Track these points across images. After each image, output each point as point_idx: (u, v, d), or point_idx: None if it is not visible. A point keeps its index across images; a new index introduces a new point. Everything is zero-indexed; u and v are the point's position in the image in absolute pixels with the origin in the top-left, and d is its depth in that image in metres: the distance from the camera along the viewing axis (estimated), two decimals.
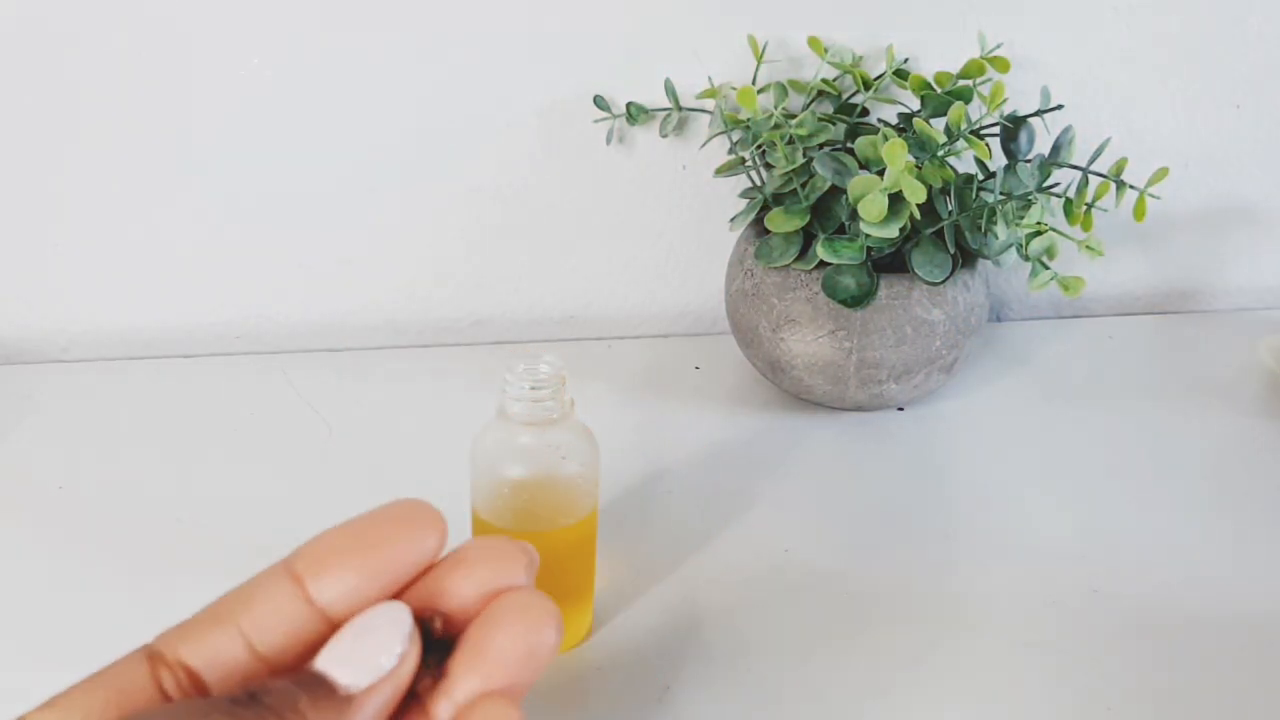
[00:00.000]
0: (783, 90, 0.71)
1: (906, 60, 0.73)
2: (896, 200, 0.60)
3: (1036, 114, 0.68)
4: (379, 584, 0.26)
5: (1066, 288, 0.64)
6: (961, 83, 0.67)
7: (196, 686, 0.25)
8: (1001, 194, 0.63)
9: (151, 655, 0.25)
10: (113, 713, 0.24)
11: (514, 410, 0.47)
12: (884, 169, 0.60)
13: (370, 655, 0.25)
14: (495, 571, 0.27)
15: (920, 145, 0.63)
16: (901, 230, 0.61)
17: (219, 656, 0.25)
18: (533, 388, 0.47)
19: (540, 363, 0.48)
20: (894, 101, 0.72)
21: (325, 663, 0.25)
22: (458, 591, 0.26)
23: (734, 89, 0.67)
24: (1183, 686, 0.51)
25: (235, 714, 0.23)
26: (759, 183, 0.70)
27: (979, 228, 0.64)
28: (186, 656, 0.25)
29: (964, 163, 0.67)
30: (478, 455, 0.49)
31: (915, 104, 0.70)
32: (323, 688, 0.25)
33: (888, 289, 0.64)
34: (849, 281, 0.63)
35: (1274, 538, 0.61)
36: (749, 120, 0.66)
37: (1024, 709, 0.50)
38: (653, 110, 0.74)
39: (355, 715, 0.24)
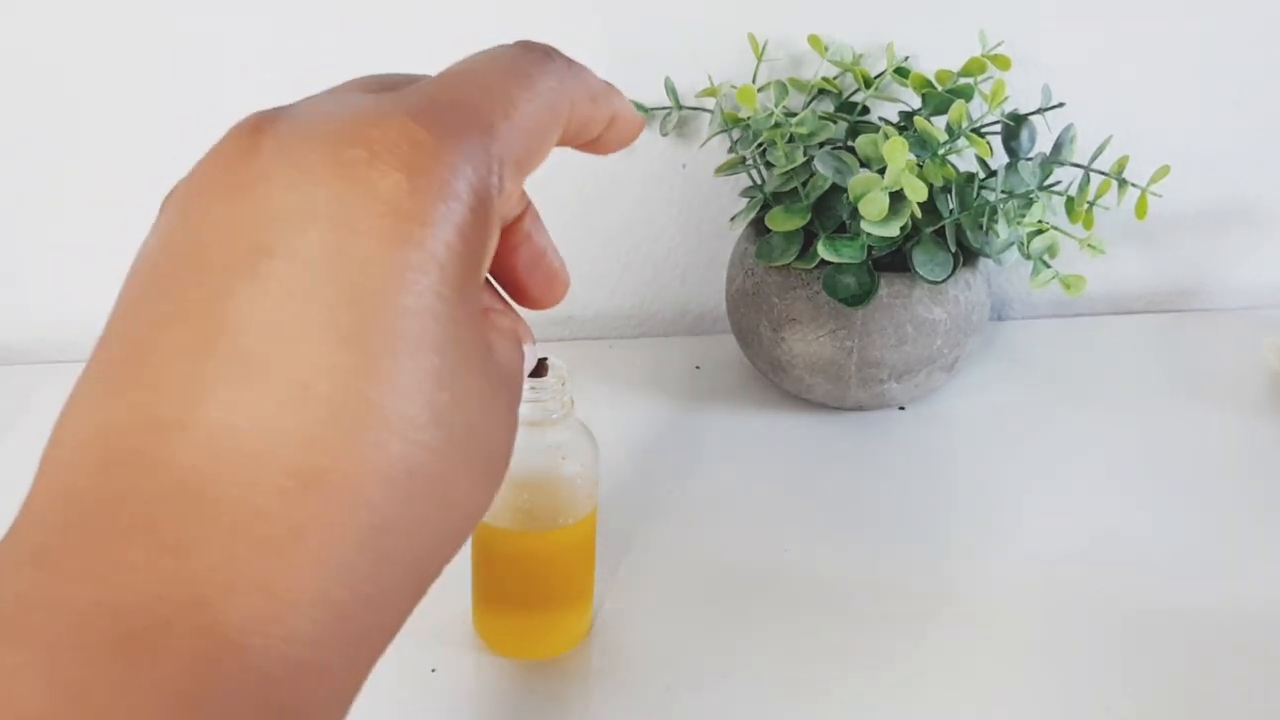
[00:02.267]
0: (783, 88, 0.71)
1: (907, 58, 0.73)
2: (897, 199, 0.60)
3: (1038, 112, 0.68)
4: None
5: (1068, 286, 0.63)
6: (962, 81, 0.67)
7: None
8: (1003, 192, 0.63)
9: None
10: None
11: None
12: (885, 167, 0.60)
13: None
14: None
15: (921, 143, 0.63)
16: (902, 229, 0.61)
17: None
18: (532, 388, 0.47)
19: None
20: (895, 100, 0.72)
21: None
22: None
23: (734, 87, 0.67)
24: (1183, 686, 0.51)
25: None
26: (759, 181, 0.69)
27: (980, 226, 0.64)
28: None
29: (965, 161, 0.67)
30: None
31: (916, 102, 0.70)
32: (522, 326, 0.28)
33: (889, 288, 0.64)
34: (850, 280, 0.63)
35: (1275, 537, 0.60)
36: (749, 119, 0.66)
37: (1024, 708, 0.49)
38: (652, 109, 0.74)
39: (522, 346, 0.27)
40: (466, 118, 0.24)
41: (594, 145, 0.29)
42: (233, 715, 0.19)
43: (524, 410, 0.47)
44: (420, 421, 0.22)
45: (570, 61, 0.27)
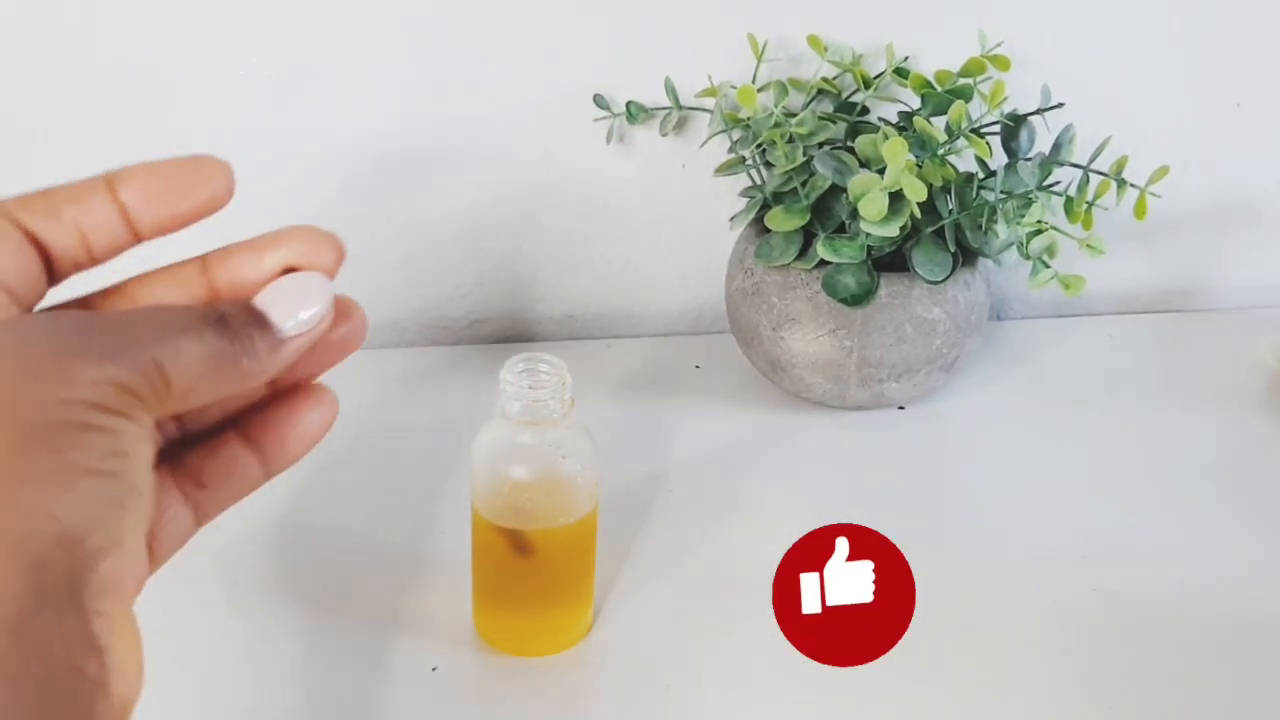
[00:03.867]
0: (783, 89, 0.71)
1: (907, 58, 0.73)
2: (897, 199, 0.60)
3: (1037, 112, 0.68)
4: (179, 201, 0.31)
5: (1067, 286, 0.63)
6: (962, 81, 0.67)
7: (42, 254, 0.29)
8: (1002, 192, 0.63)
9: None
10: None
11: (514, 410, 0.47)
12: (884, 167, 0.60)
13: (302, 310, 0.31)
14: (302, 251, 0.32)
15: (921, 144, 0.63)
16: (902, 229, 0.61)
17: (54, 237, 0.30)
18: (532, 387, 0.47)
19: (540, 363, 0.48)
20: (894, 100, 0.72)
21: (264, 305, 0.30)
22: (263, 264, 0.32)
23: (734, 87, 0.67)
24: (1183, 686, 0.51)
25: (213, 330, 0.28)
26: (759, 181, 0.69)
27: (979, 226, 0.64)
28: (28, 222, 0.29)
29: (964, 161, 0.67)
30: (478, 455, 0.49)
31: (915, 102, 0.70)
32: (263, 323, 0.30)
33: (888, 288, 0.64)
34: (849, 280, 0.63)
35: (1275, 537, 0.60)
36: (749, 119, 0.66)
37: (1024, 709, 0.49)
38: (653, 109, 0.74)
39: (282, 354, 0.30)
40: None
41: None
42: None
43: (524, 410, 0.47)
44: None
45: None
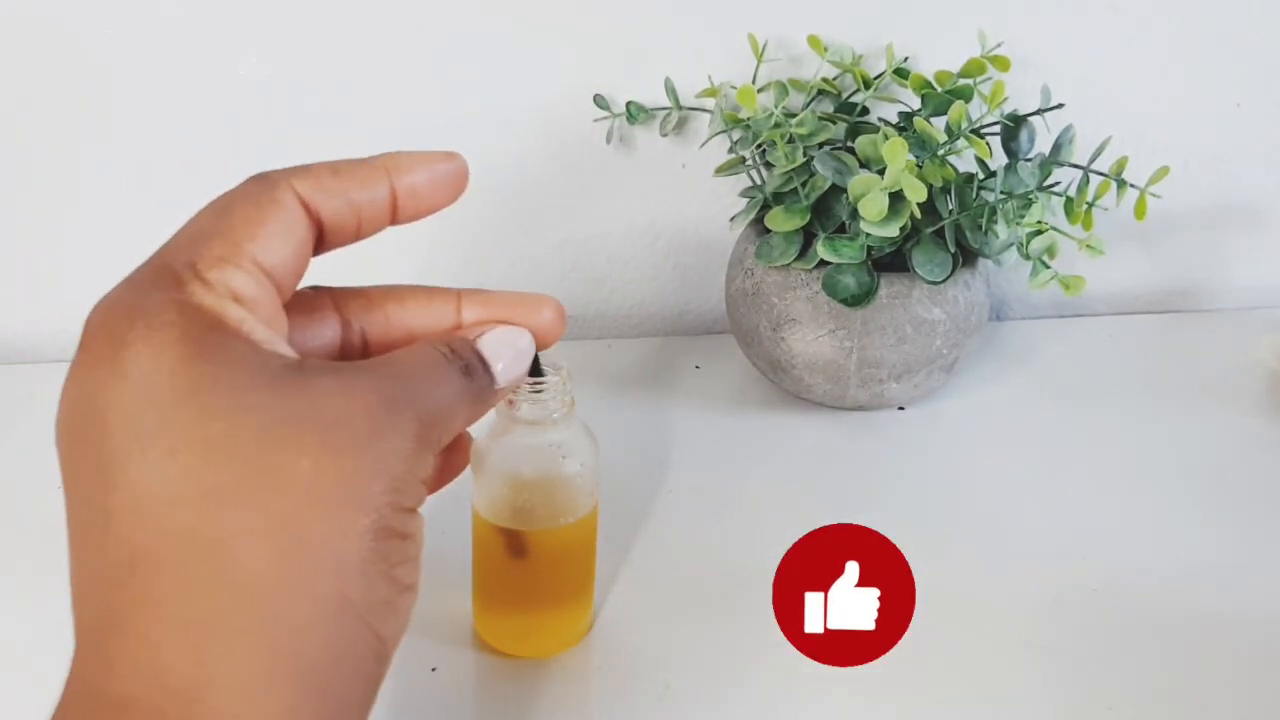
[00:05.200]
0: (783, 89, 0.71)
1: (907, 59, 0.73)
2: (897, 199, 0.60)
3: (1037, 113, 0.68)
4: (439, 194, 0.34)
5: (1067, 287, 0.63)
6: (962, 81, 0.67)
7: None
8: (1002, 193, 0.63)
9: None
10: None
11: (514, 410, 0.47)
12: (884, 168, 0.60)
13: (514, 364, 0.34)
14: (537, 316, 0.36)
15: (921, 144, 0.63)
16: (902, 229, 0.61)
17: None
18: (533, 388, 0.47)
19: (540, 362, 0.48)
20: (894, 100, 0.72)
21: (488, 352, 0.33)
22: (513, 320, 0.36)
23: (734, 88, 0.67)
24: (1184, 686, 0.51)
25: (462, 382, 0.31)
26: (759, 182, 0.70)
27: (980, 227, 0.64)
28: (317, 201, 0.32)
29: (964, 162, 0.67)
30: (477, 454, 0.49)
31: (915, 103, 0.70)
32: (489, 370, 0.33)
33: (888, 288, 0.64)
34: (849, 280, 0.63)
35: (1275, 537, 0.61)
36: (749, 119, 0.66)
37: (1024, 709, 0.50)
38: (652, 109, 0.74)
39: (494, 400, 0.33)
40: None
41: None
42: None
43: (525, 410, 0.47)
44: None
45: None
